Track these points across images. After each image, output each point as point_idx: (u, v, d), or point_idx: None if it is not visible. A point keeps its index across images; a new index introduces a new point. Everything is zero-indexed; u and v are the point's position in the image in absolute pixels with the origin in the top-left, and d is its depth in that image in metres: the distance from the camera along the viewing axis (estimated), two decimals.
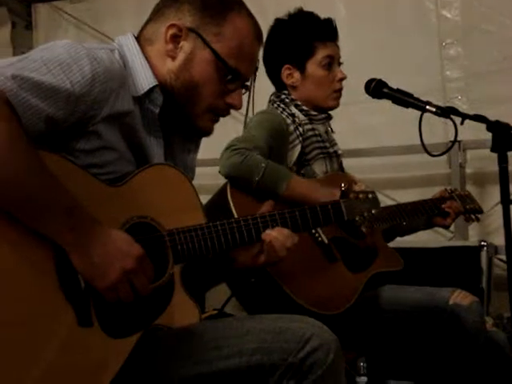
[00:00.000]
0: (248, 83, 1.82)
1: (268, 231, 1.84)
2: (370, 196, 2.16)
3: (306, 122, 2.57)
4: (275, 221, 1.87)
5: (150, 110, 1.73)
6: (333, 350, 1.63)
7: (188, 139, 1.89)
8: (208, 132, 1.83)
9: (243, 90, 1.82)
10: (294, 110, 2.57)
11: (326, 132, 2.66)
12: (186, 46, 1.72)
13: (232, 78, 1.75)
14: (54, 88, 1.50)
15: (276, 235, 1.85)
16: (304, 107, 2.58)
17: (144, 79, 1.71)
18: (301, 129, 2.53)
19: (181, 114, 1.77)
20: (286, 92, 2.62)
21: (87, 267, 1.49)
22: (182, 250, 1.67)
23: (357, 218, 2.10)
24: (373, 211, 2.14)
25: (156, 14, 1.78)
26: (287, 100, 2.59)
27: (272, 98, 2.65)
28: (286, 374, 1.61)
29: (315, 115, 2.59)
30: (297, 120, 2.54)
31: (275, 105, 2.60)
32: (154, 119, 1.74)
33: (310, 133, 2.56)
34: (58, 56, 1.53)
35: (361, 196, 2.13)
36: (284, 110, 2.56)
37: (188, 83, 1.73)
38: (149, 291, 1.58)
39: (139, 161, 1.71)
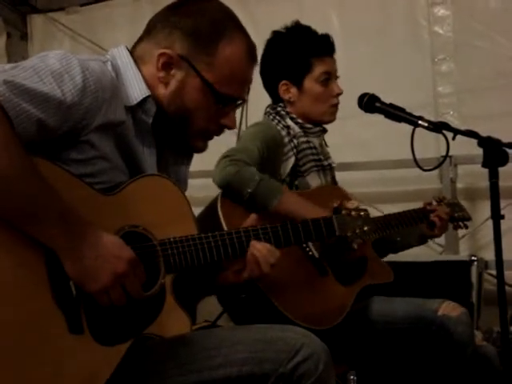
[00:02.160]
0: (242, 100, 1.83)
1: (253, 243, 1.83)
2: (363, 214, 2.17)
3: (301, 134, 2.58)
4: (267, 234, 1.88)
5: (143, 120, 1.74)
6: (323, 359, 1.65)
7: (180, 153, 1.90)
8: (201, 151, 1.85)
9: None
10: (289, 122, 2.58)
11: (321, 145, 2.67)
12: (177, 74, 1.74)
13: (224, 104, 1.77)
14: (46, 96, 1.50)
15: (260, 248, 1.84)
16: (299, 120, 2.59)
17: (137, 89, 1.72)
18: (295, 141, 2.54)
19: (174, 131, 1.79)
20: (281, 105, 2.63)
21: (79, 271, 1.50)
22: (173, 260, 1.68)
23: (349, 234, 2.11)
24: (365, 228, 2.14)
25: (148, 34, 1.79)
26: (283, 112, 2.60)
27: (268, 110, 2.67)
28: None
29: (310, 128, 2.61)
30: (292, 132, 2.55)
31: (271, 117, 2.62)
32: (147, 129, 1.75)
33: (305, 145, 2.57)
34: (50, 65, 1.54)
35: (353, 213, 2.14)
36: (279, 121, 2.58)
37: (180, 109, 1.75)
38: (141, 295, 1.59)
39: (132, 171, 1.72)
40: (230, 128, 1.83)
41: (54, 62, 1.55)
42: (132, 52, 1.79)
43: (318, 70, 2.59)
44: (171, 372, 1.65)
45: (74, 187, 1.56)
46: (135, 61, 1.76)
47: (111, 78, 1.67)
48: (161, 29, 1.76)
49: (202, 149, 1.85)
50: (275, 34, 2.66)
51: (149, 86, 1.73)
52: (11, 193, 1.42)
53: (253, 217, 1.94)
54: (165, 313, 1.67)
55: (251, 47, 1.81)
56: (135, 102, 1.71)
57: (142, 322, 1.64)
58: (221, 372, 1.64)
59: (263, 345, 1.66)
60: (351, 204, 2.19)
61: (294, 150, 2.53)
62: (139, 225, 1.65)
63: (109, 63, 1.73)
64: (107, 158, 1.65)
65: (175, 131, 1.78)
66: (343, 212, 2.13)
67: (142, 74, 1.74)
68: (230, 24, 1.78)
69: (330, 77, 2.60)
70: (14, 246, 1.45)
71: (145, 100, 1.72)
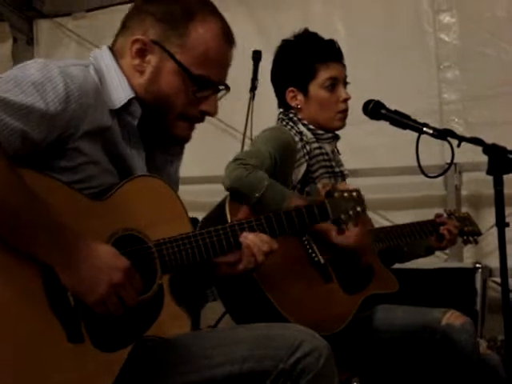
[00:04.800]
0: (222, 87, 1.80)
1: (245, 234, 1.82)
2: (355, 194, 2.14)
3: (314, 140, 2.58)
4: (261, 224, 1.86)
5: (129, 122, 1.73)
6: (324, 355, 1.65)
7: (168, 149, 1.88)
8: (184, 139, 1.83)
9: (218, 95, 1.80)
10: (301, 128, 2.57)
11: (333, 152, 2.66)
12: (152, 59, 1.72)
13: (200, 86, 1.74)
14: (28, 108, 1.49)
15: (253, 239, 1.82)
16: (311, 126, 2.59)
17: (121, 92, 1.71)
18: (308, 147, 2.54)
19: (156, 124, 1.78)
20: (293, 111, 2.63)
21: (75, 283, 1.50)
22: (169, 260, 1.68)
23: (342, 217, 2.09)
24: (358, 209, 2.12)
25: (124, 28, 1.78)
26: (295, 118, 2.60)
27: (280, 116, 2.66)
28: (278, 380, 1.63)
29: (322, 134, 2.60)
30: (304, 138, 2.55)
31: (284, 122, 2.61)
32: (134, 131, 1.74)
33: (317, 151, 2.57)
34: (30, 76, 1.53)
35: (346, 195, 2.11)
36: (292, 127, 2.57)
37: (157, 95, 1.73)
38: (137, 303, 1.59)
39: (122, 174, 1.71)
40: (210, 114, 1.80)
41: (34, 73, 1.54)
42: (112, 49, 1.78)
43: (323, 75, 2.58)
44: (172, 372, 1.66)
45: (64, 195, 1.55)
46: (117, 60, 1.75)
47: (94, 83, 1.66)
48: (133, 20, 1.75)
49: (184, 136, 1.82)
50: (284, 42, 2.66)
51: (127, 77, 1.72)
52: (1, 211, 1.42)
53: (245, 209, 1.94)
54: (164, 313, 1.67)
55: (226, 29, 1.78)
56: (120, 105, 1.70)
57: (142, 325, 1.64)
58: (222, 370, 1.65)
59: (263, 342, 1.67)
60: (342, 185, 2.18)
61: (307, 157, 2.53)
62: (133, 228, 1.65)
63: (91, 67, 1.71)
64: (96, 162, 1.64)
65: (157, 121, 1.77)
66: (336, 195, 2.10)
67: (122, 69, 1.73)
68: (204, 8, 1.76)
69: (335, 82, 2.59)
70: (10, 263, 1.44)
71: (130, 102, 1.71)
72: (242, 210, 1.94)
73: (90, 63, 1.72)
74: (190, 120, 1.79)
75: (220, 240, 1.77)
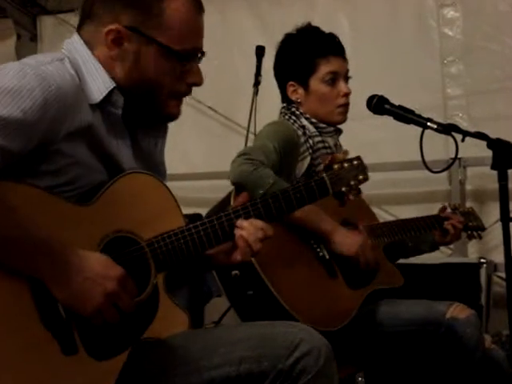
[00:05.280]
0: (201, 53, 1.75)
1: (239, 223, 1.76)
2: (355, 162, 2.07)
3: (316, 134, 2.57)
4: (257, 209, 1.80)
5: (113, 113, 1.68)
6: (323, 354, 1.63)
7: (152, 131, 1.83)
8: (176, 116, 1.78)
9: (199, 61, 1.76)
10: (304, 122, 2.57)
11: (336, 145, 2.66)
12: (130, 46, 1.66)
13: (186, 61, 1.71)
14: (5, 120, 1.44)
15: (248, 227, 1.76)
16: (313, 120, 2.59)
17: (101, 83, 1.66)
18: (311, 141, 2.54)
19: (145, 108, 1.74)
20: (295, 105, 2.63)
21: (69, 297, 1.48)
22: (163, 258, 1.65)
23: (343, 189, 2.02)
24: (360, 177, 2.06)
25: (88, 17, 1.71)
26: (298, 112, 2.60)
27: (283, 110, 2.66)
28: (276, 381, 1.61)
29: (324, 128, 2.60)
30: (307, 132, 2.55)
31: (286, 116, 2.61)
32: (118, 121, 1.70)
33: (320, 145, 2.57)
34: (5, 84, 1.48)
35: (346, 165, 2.04)
36: (295, 121, 2.57)
37: (142, 81, 1.69)
38: (133, 309, 1.57)
39: (110, 169, 1.67)
40: (198, 84, 1.76)
41: (9, 79, 1.49)
42: (83, 39, 1.71)
43: (323, 69, 2.58)
44: (172, 374, 1.64)
45: (50, 205, 1.52)
46: (89, 49, 1.68)
47: (71, 80, 1.60)
48: (100, 7, 1.68)
49: (176, 113, 1.77)
50: (286, 35, 2.66)
51: (104, 68, 1.67)
52: None
53: (243, 195, 1.91)
54: (160, 313, 1.65)
55: None
56: (101, 98, 1.65)
57: (139, 327, 1.62)
58: (219, 371, 1.63)
59: (261, 342, 1.64)
60: (342, 155, 2.10)
61: (310, 150, 2.53)
62: (124, 228, 1.62)
63: (66, 60, 1.64)
64: (80, 162, 1.60)
65: (146, 106, 1.73)
66: (335, 166, 2.02)
67: (98, 60, 1.67)
68: None
69: (336, 76, 2.59)
70: None
71: (110, 92, 1.66)
72: (241, 195, 1.92)
73: (64, 56, 1.65)
74: (180, 96, 1.76)
75: (215, 231, 1.72)
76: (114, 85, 1.66)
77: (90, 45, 1.69)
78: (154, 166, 1.82)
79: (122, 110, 1.69)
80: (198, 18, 1.73)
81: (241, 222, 1.76)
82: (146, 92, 1.70)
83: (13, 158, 1.48)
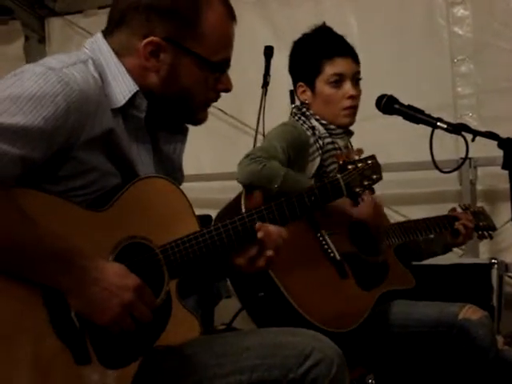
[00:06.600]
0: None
1: (267, 228, 1.72)
2: (370, 162, 2.07)
3: (326, 135, 2.57)
4: (272, 212, 1.78)
5: (136, 116, 1.68)
6: (336, 363, 1.63)
7: (174, 134, 1.82)
8: (205, 120, 1.80)
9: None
10: (314, 123, 2.57)
11: (346, 146, 2.65)
12: (166, 58, 1.65)
13: (221, 71, 1.72)
14: (26, 129, 1.43)
15: (274, 231, 1.73)
16: (323, 121, 2.58)
17: (124, 87, 1.64)
18: (321, 142, 2.53)
19: (175, 114, 1.74)
20: (306, 106, 2.62)
21: (86, 306, 1.48)
22: (177, 265, 1.64)
23: (357, 190, 2.02)
24: (374, 177, 2.06)
25: (120, 24, 1.67)
26: (308, 113, 2.60)
27: (293, 110, 2.66)
28: None
29: (334, 129, 2.59)
30: (317, 133, 2.55)
31: (296, 117, 2.61)
32: (140, 125, 1.70)
33: (330, 146, 2.56)
34: (27, 90, 1.46)
35: (360, 165, 2.04)
36: (305, 122, 2.57)
37: (179, 91, 1.69)
38: (150, 319, 1.56)
39: (124, 173, 1.66)
40: (229, 91, 1.77)
41: (31, 85, 1.47)
42: (108, 42, 1.70)
43: (328, 71, 2.57)
44: (181, 381, 1.63)
45: (64, 212, 1.52)
46: (116, 54, 1.67)
47: (95, 84, 1.58)
48: (134, 17, 1.64)
49: (205, 119, 1.79)
50: (302, 35, 2.65)
51: (136, 78, 1.66)
52: (4, 245, 1.39)
53: (257, 195, 1.89)
54: (173, 320, 1.64)
55: (229, 6, 1.73)
56: (124, 102, 1.64)
57: (152, 335, 1.61)
58: (231, 380, 1.63)
59: (272, 350, 1.64)
60: (357, 153, 2.08)
61: (320, 151, 2.52)
62: (138, 234, 1.61)
63: (90, 62, 1.63)
64: (96, 168, 1.59)
65: (176, 112, 1.74)
66: (349, 167, 2.02)
67: (124, 66, 1.66)
68: None
69: (341, 78, 2.57)
70: (8, 285, 1.41)
71: (134, 96, 1.65)
72: (255, 195, 1.90)
73: (87, 57, 1.64)
74: (211, 103, 1.78)
75: (229, 236, 1.70)
76: (138, 88, 1.65)
77: (121, 51, 1.67)
78: (172, 171, 1.81)
79: (145, 113, 1.68)
80: (232, 27, 1.74)
81: (267, 229, 1.73)
82: (179, 100, 1.71)
83: (34, 165, 1.48)
